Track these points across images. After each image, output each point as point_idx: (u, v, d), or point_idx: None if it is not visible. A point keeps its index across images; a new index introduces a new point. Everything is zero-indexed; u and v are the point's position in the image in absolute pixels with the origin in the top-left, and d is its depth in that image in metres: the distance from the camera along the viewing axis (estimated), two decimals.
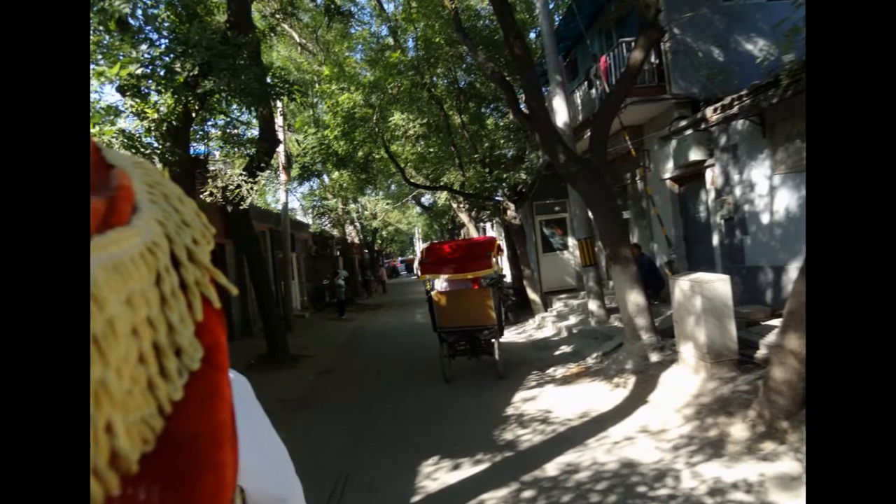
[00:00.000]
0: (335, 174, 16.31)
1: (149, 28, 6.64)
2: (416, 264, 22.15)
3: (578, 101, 11.40)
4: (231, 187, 8.50)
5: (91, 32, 5.75)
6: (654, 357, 6.32)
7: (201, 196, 8.62)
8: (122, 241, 0.27)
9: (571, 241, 13.62)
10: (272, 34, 11.61)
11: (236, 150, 10.28)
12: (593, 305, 9.33)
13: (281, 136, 11.97)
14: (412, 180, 15.72)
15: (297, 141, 16.07)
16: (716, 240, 8.49)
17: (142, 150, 6.18)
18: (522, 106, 8.04)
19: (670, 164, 9.23)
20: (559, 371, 7.29)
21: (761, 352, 5.58)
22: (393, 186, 24.61)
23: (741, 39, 8.84)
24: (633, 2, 7.51)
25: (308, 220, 21.81)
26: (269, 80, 8.12)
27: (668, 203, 9.61)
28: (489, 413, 5.78)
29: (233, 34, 6.55)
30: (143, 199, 0.30)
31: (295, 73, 15.02)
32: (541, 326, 11.24)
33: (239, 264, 12.13)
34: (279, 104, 12.16)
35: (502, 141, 12.86)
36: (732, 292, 5.35)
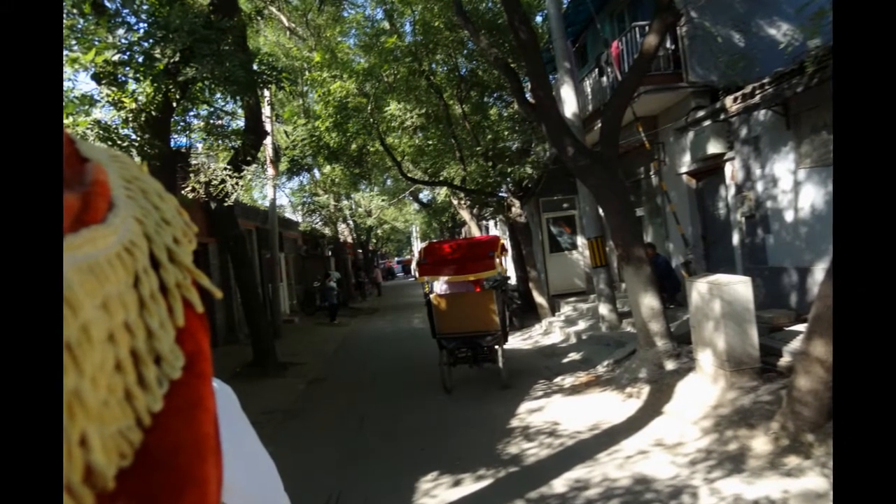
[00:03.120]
0: (327, 168, 16.32)
1: (126, 11, 6.64)
2: (413, 265, 22.16)
3: (588, 89, 11.40)
4: (215, 182, 8.51)
5: (64, 16, 5.76)
6: (670, 365, 6.32)
7: (183, 192, 8.62)
8: (98, 241, 0.26)
9: (581, 241, 13.62)
10: (259, 18, 11.63)
11: (220, 142, 10.28)
12: (604, 309, 9.33)
13: (268, 127, 11.97)
14: (409, 175, 15.73)
15: (285, 133, 16.08)
16: (736, 239, 8.50)
17: (119, 142, 6.18)
18: (528, 95, 8.05)
19: (687, 158, 9.24)
20: (567, 380, 7.30)
21: (785, 359, 5.59)
22: (389, 182, 24.62)
23: (763, 23, 8.84)
24: None
25: (297, 217, 21.81)
26: (255, 67, 8.12)
27: (685, 199, 9.61)
28: (492, 425, 5.79)
29: (216, 18, 6.55)
30: (120, 195, 0.30)
31: (283, 60, 15.03)
32: (548, 332, 11.25)
33: (223, 265, 12.13)
34: (266, 93, 12.17)
35: (506, 133, 12.85)
36: (754, 295, 5.35)
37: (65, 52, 5.59)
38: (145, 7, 6.94)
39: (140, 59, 6.06)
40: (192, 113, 9.25)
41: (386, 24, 13.63)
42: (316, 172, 19.23)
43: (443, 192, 19.15)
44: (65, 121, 5.58)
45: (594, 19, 10.39)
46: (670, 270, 9.47)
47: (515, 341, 10.59)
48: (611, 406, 5.95)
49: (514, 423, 5.82)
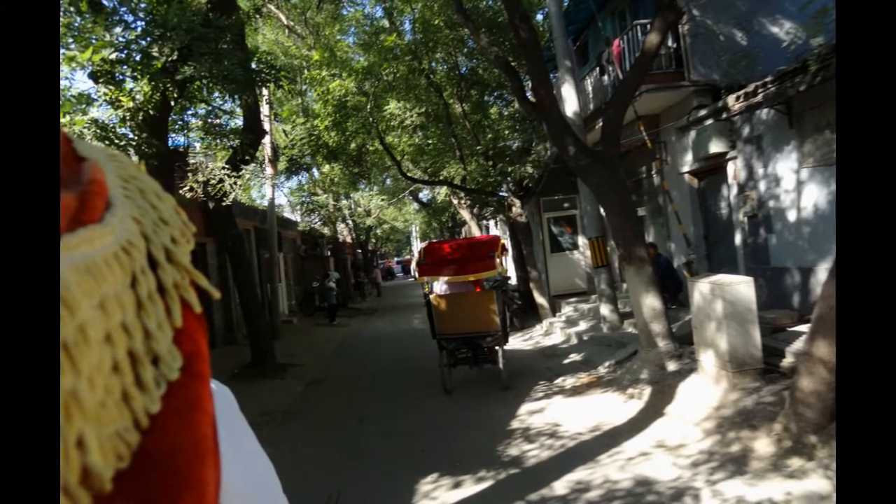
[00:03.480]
0: (326, 168, 16.32)
1: (124, 9, 6.64)
2: (413, 265, 22.16)
3: (589, 88, 11.40)
4: (213, 182, 8.50)
5: (61, 14, 5.75)
6: (672, 366, 6.32)
7: (180, 191, 8.62)
8: (95, 241, 0.26)
9: (582, 241, 13.62)
10: (257, 16, 11.62)
11: (218, 141, 10.28)
12: (605, 310, 9.33)
13: (267, 126, 11.97)
14: (409, 174, 15.73)
15: (284, 132, 16.07)
16: (738, 239, 8.49)
17: (116, 141, 6.18)
18: (529, 94, 8.04)
19: (689, 157, 9.23)
20: (568, 381, 7.29)
21: (788, 360, 5.59)
22: (388, 181, 24.61)
23: (766, 22, 8.84)
24: None
25: (296, 217, 21.81)
26: (253, 65, 8.12)
27: (687, 199, 9.61)
28: (493, 427, 5.78)
29: (215, 16, 6.55)
30: (118, 194, 0.30)
31: (282, 59, 15.02)
32: (548, 332, 11.25)
33: (221, 265, 12.13)
34: (265, 92, 12.16)
35: (507, 132, 12.86)
36: (756, 296, 5.35)
37: (62, 51, 5.59)
38: (143, 5, 6.94)
39: (138, 58, 6.05)
40: (190, 112, 9.25)
41: (385, 23, 13.63)
42: (315, 172, 19.23)
43: (443, 191, 19.14)
44: (62, 119, 5.58)
45: (595, 17, 10.39)
46: (672, 270, 9.47)
47: (516, 342, 10.59)
48: (612, 407, 5.94)
49: (515, 424, 5.81)
